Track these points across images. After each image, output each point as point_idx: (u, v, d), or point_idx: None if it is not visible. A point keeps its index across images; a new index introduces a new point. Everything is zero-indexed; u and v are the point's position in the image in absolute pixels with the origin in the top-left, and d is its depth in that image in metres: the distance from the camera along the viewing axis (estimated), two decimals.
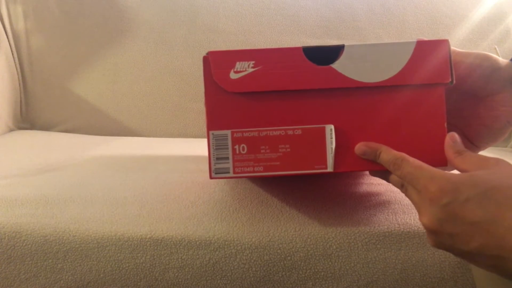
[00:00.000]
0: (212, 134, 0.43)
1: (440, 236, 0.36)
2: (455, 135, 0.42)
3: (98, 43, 0.96)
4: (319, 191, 0.51)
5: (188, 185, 0.54)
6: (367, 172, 0.57)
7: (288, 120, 0.43)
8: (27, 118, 0.98)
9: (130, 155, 0.71)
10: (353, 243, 0.46)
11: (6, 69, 0.94)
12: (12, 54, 0.97)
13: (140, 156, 0.69)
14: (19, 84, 0.97)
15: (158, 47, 0.95)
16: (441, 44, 0.43)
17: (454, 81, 0.43)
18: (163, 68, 0.94)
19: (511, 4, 0.93)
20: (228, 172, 0.43)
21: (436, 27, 0.93)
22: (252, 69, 0.43)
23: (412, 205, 0.49)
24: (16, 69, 0.97)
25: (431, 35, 0.93)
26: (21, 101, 0.97)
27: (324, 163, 0.43)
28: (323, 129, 0.43)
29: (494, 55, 0.43)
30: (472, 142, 0.45)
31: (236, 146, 0.43)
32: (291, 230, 0.47)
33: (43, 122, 0.97)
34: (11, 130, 0.95)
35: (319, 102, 0.43)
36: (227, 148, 0.43)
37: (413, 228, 0.46)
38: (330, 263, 0.46)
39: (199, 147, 0.78)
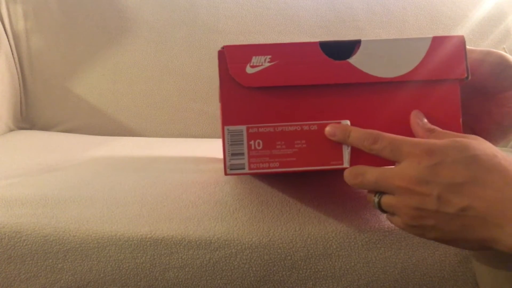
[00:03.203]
0: (227, 129, 0.43)
1: (426, 202, 0.36)
2: (419, 112, 0.42)
3: (98, 43, 0.96)
4: (319, 191, 0.51)
5: (188, 185, 0.54)
6: None
7: (304, 116, 0.43)
8: (27, 118, 0.98)
9: (130, 155, 0.71)
10: (353, 243, 0.46)
11: (6, 69, 0.94)
12: (12, 54, 0.97)
13: (140, 156, 0.69)
14: (19, 84, 0.97)
15: (158, 47, 0.95)
16: (456, 40, 0.43)
17: (470, 77, 0.43)
18: (163, 68, 0.94)
19: (511, 4, 0.93)
20: (244, 168, 0.43)
21: (436, 27, 0.93)
22: (269, 64, 0.42)
23: None
24: (16, 69, 0.97)
25: (431, 35, 0.92)
26: (21, 101, 0.97)
27: (340, 158, 0.43)
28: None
29: (500, 51, 0.43)
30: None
31: (252, 142, 0.43)
32: (291, 230, 0.47)
33: (43, 122, 0.97)
34: (11, 130, 0.95)
35: (336, 97, 0.43)
36: (242, 144, 0.43)
37: None
38: (330, 262, 0.46)
39: (199, 147, 0.78)
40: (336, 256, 0.46)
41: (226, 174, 0.43)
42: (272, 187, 0.52)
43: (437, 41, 0.43)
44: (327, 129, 0.43)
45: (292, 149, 0.43)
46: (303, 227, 0.47)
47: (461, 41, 0.43)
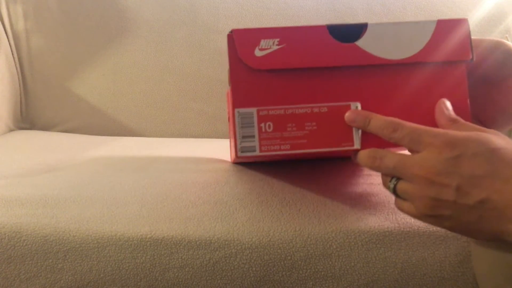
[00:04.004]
0: (238, 112, 0.43)
1: (444, 193, 0.36)
2: (447, 101, 0.43)
3: (98, 43, 0.96)
4: (319, 191, 0.51)
5: (188, 185, 0.54)
6: (367, 172, 0.57)
7: (314, 98, 0.44)
8: (27, 118, 0.98)
9: (130, 155, 0.71)
10: (353, 243, 0.46)
11: (6, 69, 0.94)
12: (12, 54, 0.97)
13: (140, 156, 0.69)
14: (19, 84, 0.97)
15: (158, 47, 0.95)
16: (461, 22, 0.44)
17: (474, 59, 0.44)
18: (163, 68, 0.94)
19: (511, 4, 0.93)
20: (254, 151, 0.43)
21: None
22: (277, 47, 0.43)
23: None
24: (16, 69, 0.97)
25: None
26: (21, 101, 0.97)
27: (350, 140, 0.43)
28: (349, 107, 0.44)
29: (507, 41, 0.44)
30: (487, 127, 0.46)
31: (262, 124, 0.43)
32: (291, 230, 0.47)
33: (43, 122, 0.97)
34: (11, 130, 0.95)
35: (344, 79, 0.44)
36: (253, 126, 0.43)
37: (413, 227, 0.46)
38: (330, 262, 0.46)
39: (199, 147, 0.78)
40: (336, 256, 0.46)
41: (237, 156, 0.43)
42: (272, 187, 0.52)
43: (442, 24, 0.44)
44: (347, 115, 0.43)
45: (303, 131, 0.43)
46: (303, 227, 0.47)
47: (465, 24, 0.44)
